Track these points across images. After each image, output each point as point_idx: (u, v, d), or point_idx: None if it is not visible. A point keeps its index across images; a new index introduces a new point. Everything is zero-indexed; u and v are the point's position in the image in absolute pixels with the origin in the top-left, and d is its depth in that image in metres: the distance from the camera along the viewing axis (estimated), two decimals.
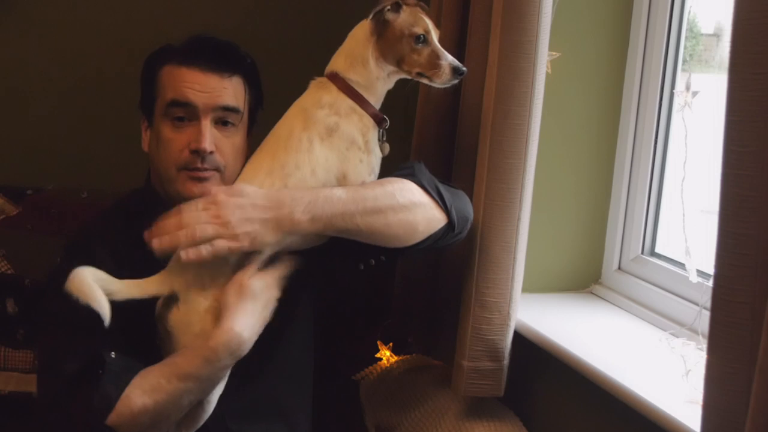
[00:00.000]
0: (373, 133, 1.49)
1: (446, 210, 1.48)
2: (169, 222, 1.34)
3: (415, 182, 1.48)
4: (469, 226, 1.57)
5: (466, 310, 1.66)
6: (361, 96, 1.49)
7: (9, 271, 1.88)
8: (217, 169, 1.48)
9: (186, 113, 1.47)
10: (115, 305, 1.33)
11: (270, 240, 1.36)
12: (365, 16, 1.51)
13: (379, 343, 1.94)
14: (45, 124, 2.20)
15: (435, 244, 1.50)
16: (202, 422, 1.41)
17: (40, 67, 2.19)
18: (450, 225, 1.49)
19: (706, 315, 1.15)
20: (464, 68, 1.48)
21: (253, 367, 1.44)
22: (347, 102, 1.48)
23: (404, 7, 1.47)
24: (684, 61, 1.76)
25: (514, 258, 1.63)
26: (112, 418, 1.31)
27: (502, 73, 1.57)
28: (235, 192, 1.37)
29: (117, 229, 1.53)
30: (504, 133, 1.58)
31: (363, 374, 1.94)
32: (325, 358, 1.74)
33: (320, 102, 1.47)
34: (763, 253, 1.05)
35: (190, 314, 1.38)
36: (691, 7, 1.73)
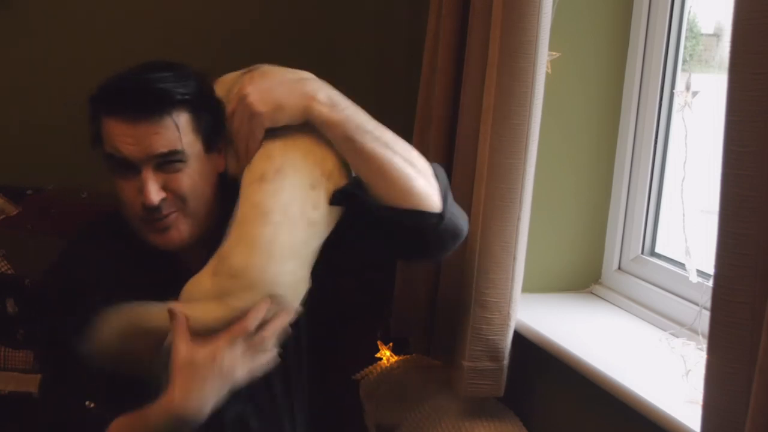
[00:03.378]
0: None
1: (444, 203, 1.44)
2: None
3: (431, 166, 1.47)
4: (457, 240, 1.50)
5: (466, 310, 1.66)
6: None
7: (9, 271, 1.88)
8: (177, 209, 1.41)
9: (126, 166, 1.39)
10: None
11: (290, 114, 1.39)
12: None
13: (379, 343, 1.94)
14: (45, 124, 2.20)
15: (416, 226, 1.42)
16: None
17: (40, 66, 2.19)
18: (440, 216, 1.43)
19: (706, 315, 1.15)
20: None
21: None
22: None
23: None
24: (684, 61, 1.76)
25: (514, 258, 1.63)
26: None
27: (502, 73, 1.57)
28: (258, 79, 1.42)
29: (105, 251, 1.50)
30: (504, 133, 1.58)
31: (363, 374, 1.94)
32: (326, 358, 1.73)
33: None
34: (763, 253, 1.05)
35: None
36: (691, 7, 1.73)
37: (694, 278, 1.52)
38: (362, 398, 1.91)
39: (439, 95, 1.80)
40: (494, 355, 1.66)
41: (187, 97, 1.39)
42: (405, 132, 1.97)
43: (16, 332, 1.87)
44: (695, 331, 1.52)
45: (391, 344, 1.95)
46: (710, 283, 1.15)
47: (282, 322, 1.36)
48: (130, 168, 1.38)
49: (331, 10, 2.33)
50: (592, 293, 1.91)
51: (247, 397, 1.46)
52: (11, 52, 2.18)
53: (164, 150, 1.37)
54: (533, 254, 1.76)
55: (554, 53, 1.68)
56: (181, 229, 1.42)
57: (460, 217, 1.50)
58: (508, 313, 1.65)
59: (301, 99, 1.39)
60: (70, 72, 2.19)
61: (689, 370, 1.43)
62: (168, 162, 1.38)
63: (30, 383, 1.86)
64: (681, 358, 1.46)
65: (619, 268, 1.89)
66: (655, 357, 1.57)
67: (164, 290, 1.39)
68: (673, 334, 1.62)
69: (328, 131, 1.40)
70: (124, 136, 1.37)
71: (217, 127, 1.44)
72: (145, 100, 1.37)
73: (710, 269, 1.16)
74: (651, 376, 1.48)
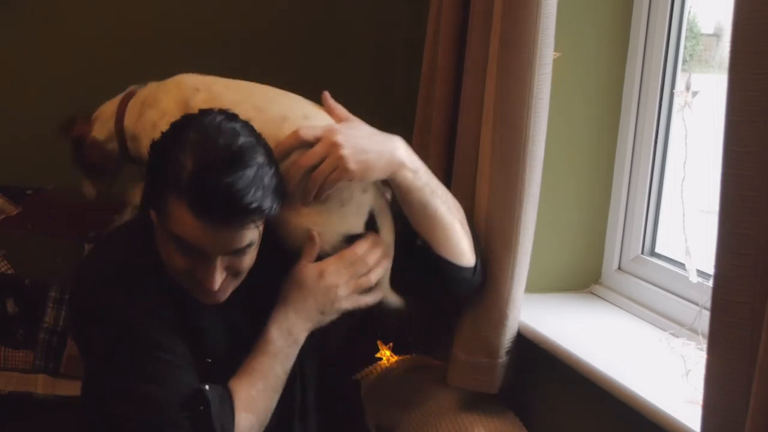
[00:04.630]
0: None
1: (477, 258, 1.59)
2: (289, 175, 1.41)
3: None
4: (474, 290, 1.65)
5: (466, 309, 1.67)
6: None
7: (9, 271, 1.88)
8: (230, 279, 1.38)
9: (193, 250, 1.32)
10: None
11: (377, 176, 1.44)
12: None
13: (379, 343, 1.94)
14: (45, 124, 2.19)
15: (456, 276, 1.56)
16: None
17: (40, 66, 2.19)
18: (474, 269, 1.59)
19: (706, 315, 1.15)
20: None
21: None
22: None
23: None
24: (684, 61, 1.76)
25: (514, 257, 1.63)
26: None
27: (502, 73, 1.57)
28: (347, 130, 1.43)
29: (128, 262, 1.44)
30: (504, 133, 1.58)
31: (363, 374, 1.94)
32: (326, 358, 1.73)
33: None
34: (763, 253, 1.05)
35: None
36: (691, 7, 1.73)
37: (694, 278, 1.52)
38: (362, 398, 1.91)
39: (439, 95, 1.80)
40: (490, 351, 1.66)
41: (272, 211, 1.33)
42: (405, 132, 1.97)
43: (16, 332, 1.87)
44: (695, 331, 1.53)
45: (391, 344, 1.95)
46: (710, 283, 1.15)
47: (386, 266, 1.51)
48: (198, 253, 1.32)
49: (331, 10, 2.33)
50: (592, 293, 1.91)
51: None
52: (11, 52, 2.18)
53: (243, 245, 1.33)
54: (533, 254, 1.76)
55: (554, 53, 1.68)
56: (228, 291, 1.39)
57: (483, 272, 1.64)
58: (507, 311, 1.65)
59: (390, 164, 1.44)
60: (71, 71, 2.19)
61: (689, 370, 1.43)
62: (240, 251, 1.35)
63: (30, 383, 1.86)
64: (681, 358, 1.47)
65: (619, 268, 1.89)
66: (655, 357, 1.57)
67: (186, 304, 1.41)
68: (673, 334, 1.62)
69: (406, 194, 1.47)
70: (205, 236, 1.30)
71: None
72: (234, 214, 1.29)
73: (710, 269, 1.16)
74: (651, 376, 1.48)
